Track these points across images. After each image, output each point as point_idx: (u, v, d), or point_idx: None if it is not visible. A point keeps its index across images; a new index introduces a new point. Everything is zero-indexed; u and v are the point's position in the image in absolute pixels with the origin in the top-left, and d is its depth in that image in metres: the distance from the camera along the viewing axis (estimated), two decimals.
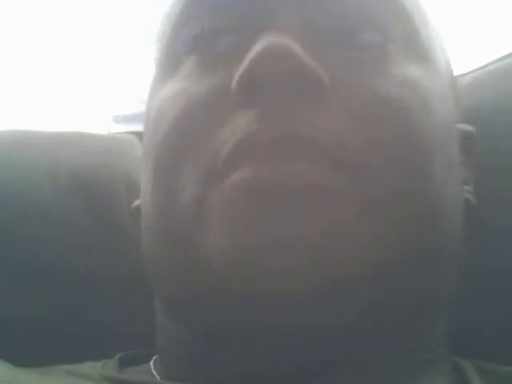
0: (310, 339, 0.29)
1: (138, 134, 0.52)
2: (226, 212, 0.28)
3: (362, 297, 0.28)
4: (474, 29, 1.39)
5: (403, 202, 0.29)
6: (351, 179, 0.28)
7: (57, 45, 1.76)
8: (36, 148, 0.49)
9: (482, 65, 0.47)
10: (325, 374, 0.30)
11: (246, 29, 0.30)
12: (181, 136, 0.31)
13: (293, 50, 0.27)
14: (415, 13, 0.33)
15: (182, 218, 0.30)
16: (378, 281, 0.28)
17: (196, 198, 0.29)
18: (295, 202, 0.27)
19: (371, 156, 0.28)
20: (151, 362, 0.36)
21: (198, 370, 0.32)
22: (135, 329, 0.41)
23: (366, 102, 0.29)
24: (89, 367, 0.36)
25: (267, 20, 0.30)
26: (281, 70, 0.27)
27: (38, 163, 0.47)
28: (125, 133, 0.57)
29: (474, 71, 0.47)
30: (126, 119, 1.60)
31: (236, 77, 0.28)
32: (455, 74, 0.38)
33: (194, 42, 0.32)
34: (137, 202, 0.38)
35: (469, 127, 0.38)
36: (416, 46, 0.32)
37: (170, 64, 0.34)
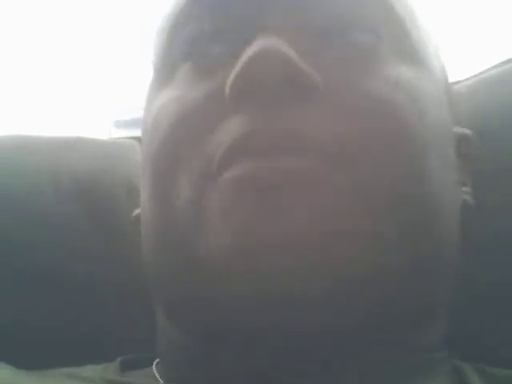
0: (309, 339, 0.29)
1: (139, 139, 0.52)
2: (224, 210, 0.28)
3: (361, 297, 0.28)
4: (469, 37, 1.39)
5: (401, 199, 0.29)
6: (350, 176, 0.28)
7: (58, 50, 1.76)
8: (38, 153, 0.49)
9: (476, 73, 0.48)
10: (324, 374, 0.30)
11: (239, 32, 0.31)
12: (175, 144, 0.31)
13: (285, 53, 0.28)
14: (406, 16, 0.33)
15: (179, 222, 0.30)
16: (378, 281, 0.28)
17: (192, 202, 0.29)
18: (295, 199, 0.27)
19: (367, 154, 0.29)
20: (154, 365, 0.36)
21: (198, 372, 0.32)
22: (136, 334, 0.41)
23: (359, 101, 0.29)
24: (90, 370, 0.36)
25: (261, 22, 0.30)
26: (274, 74, 0.28)
27: (39, 168, 0.48)
28: (126, 138, 0.57)
29: (468, 79, 0.47)
30: (127, 124, 1.60)
31: (229, 82, 0.29)
32: (452, 80, 0.39)
33: (190, 47, 0.33)
34: (137, 211, 0.38)
35: (465, 130, 0.38)
36: (407, 48, 0.32)
37: (166, 70, 0.34)
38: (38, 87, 1.74)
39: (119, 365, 0.37)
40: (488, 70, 0.47)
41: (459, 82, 0.48)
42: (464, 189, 0.36)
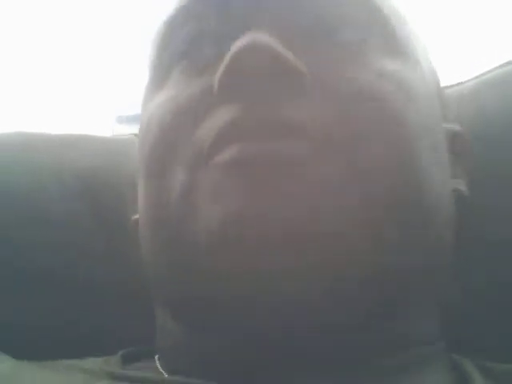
0: (298, 315, 0.29)
1: None
2: (213, 193, 0.28)
3: (352, 271, 0.29)
4: (471, 38, 1.39)
5: (389, 180, 0.29)
6: (337, 158, 0.28)
7: (60, 46, 1.76)
8: (41, 150, 0.49)
9: (478, 74, 0.48)
10: (322, 371, 0.30)
11: (230, 32, 0.31)
12: (167, 140, 0.31)
13: (271, 45, 0.28)
14: (392, 16, 0.34)
15: (173, 213, 0.30)
16: (368, 252, 0.29)
17: (184, 189, 0.30)
18: (282, 181, 0.27)
19: (354, 137, 0.29)
20: (156, 358, 0.36)
21: (199, 365, 0.32)
22: (136, 334, 0.41)
23: (344, 89, 0.30)
24: (90, 362, 0.36)
25: (250, 23, 0.30)
26: (261, 64, 0.28)
27: (43, 165, 0.47)
28: (129, 134, 0.57)
29: (470, 80, 0.47)
30: (129, 120, 1.60)
31: (217, 74, 0.29)
32: (454, 82, 0.39)
33: (189, 47, 0.33)
34: (135, 216, 0.38)
35: (457, 127, 0.38)
36: (393, 46, 0.33)
37: (162, 70, 0.35)
38: (40, 83, 1.74)
39: (120, 358, 0.37)
40: (490, 71, 0.47)
41: (461, 83, 0.48)
42: (457, 180, 0.36)
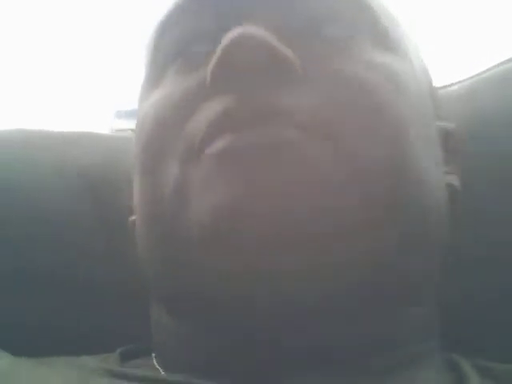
0: (297, 315, 0.29)
1: None
2: (204, 184, 0.29)
3: (351, 270, 0.29)
4: (469, 37, 1.39)
5: (380, 169, 0.29)
6: (326, 146, 0.29)
7: (59, 40, 1.76)
8: (42, 148, 0.49)
9: (476, 72, 0.48)
10: (315, 362, 0.30)
11: (223, 30, 0.31)
12: (160, 139, 0.32)
13: (262, 36, 0.29)
14: (382, 15, 0.34)
15: (167, 207, 0.30)
16: (368, 252, 0.29)
17: (177, 182, 0.30)
18: (273, 170, 0.28)
19: (345, 125, 0.29)
20: (153, 356, 0.36)
21: (194, 360, 0.32)
22: (136, 334, 0.41)
23: (334, 79, 0.30)
24: (89, 360, 0.36)
25: (242, 20, 0.30)
26: (251, 56, 0.28)
27: (44, 163, 0.47)
28: (130, 131, 0.56)
29: (470, 78, 0.48)
30: (128, 114, 1.60)
31: (209, 67, 0.29)
32: (452, 81, 0.39)
33: (185, 46, 0.33)
34: (133, 217, 0.38)
35: (450, 125, 0.38)
36: (383, 42, 0.33)
37: (157, 70, 0.35)
38: (39, 78, 1.74)
39: (119, 356, 0.37)
40: (488, 69, 0.47)
41: (459, 81, 0.48)
42: (450, 176, 0.36)
